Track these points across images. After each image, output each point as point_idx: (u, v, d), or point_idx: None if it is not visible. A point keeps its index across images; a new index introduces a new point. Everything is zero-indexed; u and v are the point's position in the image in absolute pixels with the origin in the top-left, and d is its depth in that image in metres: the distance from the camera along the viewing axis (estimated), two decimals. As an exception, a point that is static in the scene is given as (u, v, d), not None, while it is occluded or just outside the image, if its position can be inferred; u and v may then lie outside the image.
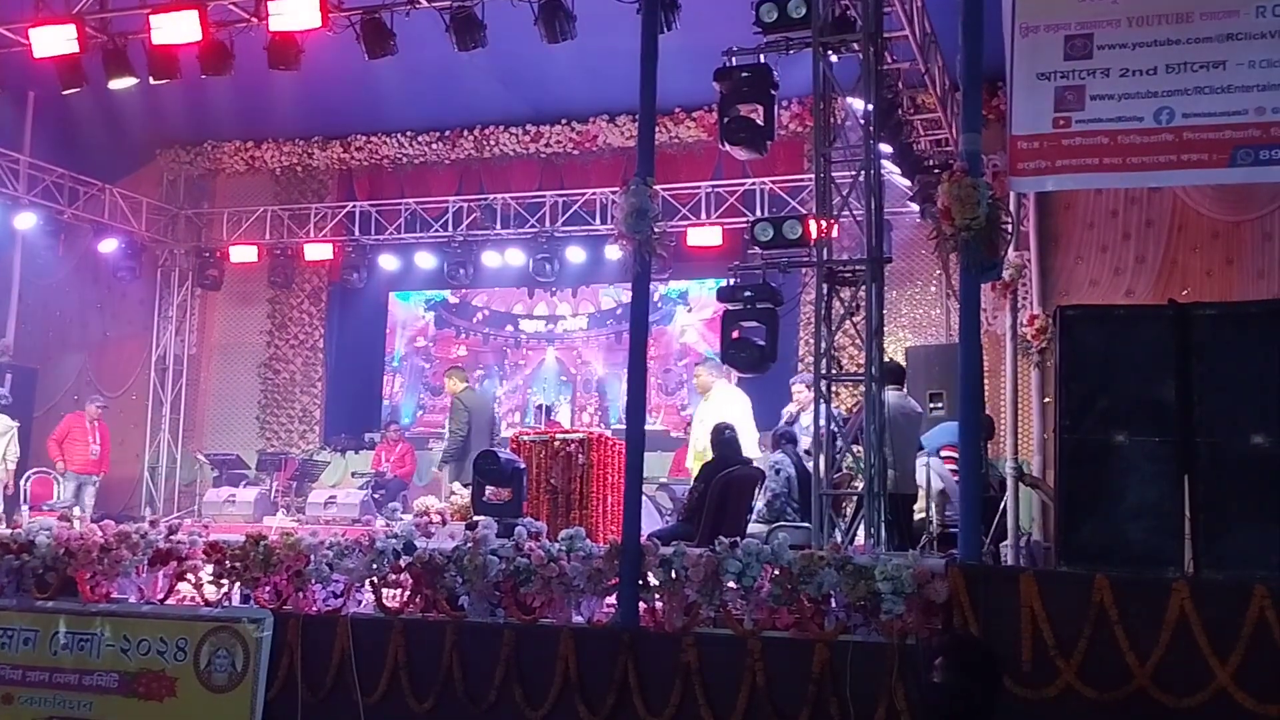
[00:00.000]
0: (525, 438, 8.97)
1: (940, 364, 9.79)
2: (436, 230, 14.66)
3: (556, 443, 8.69)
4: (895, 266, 11.27)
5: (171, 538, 6.74)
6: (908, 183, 10.44)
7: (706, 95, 7.90)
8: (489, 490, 7.66)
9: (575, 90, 13.43)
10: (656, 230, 6.09)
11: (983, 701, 3.80)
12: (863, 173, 7.20)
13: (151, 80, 10.17)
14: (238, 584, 6.44)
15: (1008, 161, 5.88)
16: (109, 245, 14.62)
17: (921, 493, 8.01)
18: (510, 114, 14.30)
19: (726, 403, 9.42)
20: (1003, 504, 7.33)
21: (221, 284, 15.53)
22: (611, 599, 5.84)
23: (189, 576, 6.60)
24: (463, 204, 14.63)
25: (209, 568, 6.54)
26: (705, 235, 13.30)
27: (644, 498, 7.60)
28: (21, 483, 12.44)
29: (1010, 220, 6.08)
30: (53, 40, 10.00)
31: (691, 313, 14.69)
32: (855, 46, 7.27)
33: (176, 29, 9.74)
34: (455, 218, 14.58)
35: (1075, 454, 5.37)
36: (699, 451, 9.34)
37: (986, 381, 9.33)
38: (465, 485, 9.87)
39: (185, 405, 15.84)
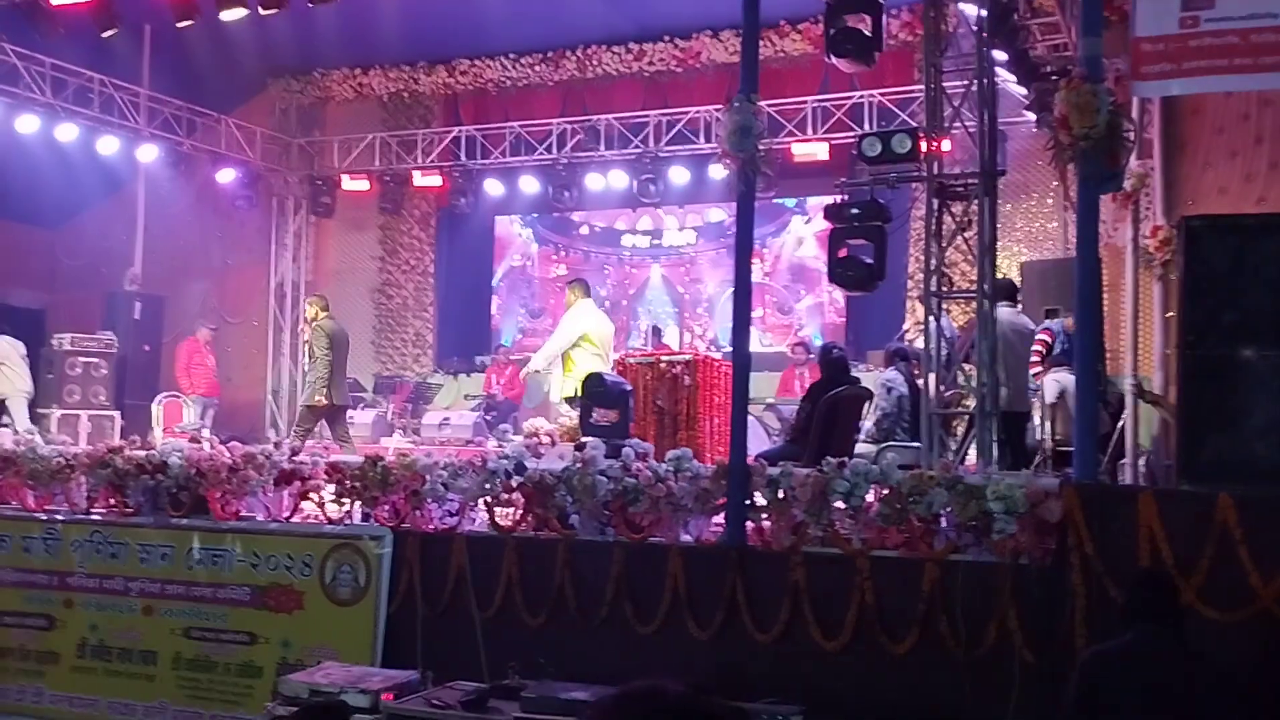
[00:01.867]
0: (631, 360, 9.02)
1: (1057, 279, 9.50)
2: (541, 153, 14.68)
3: (663, 364, 8.72)
4: (1010, 179, 10.91)
5: (294, 459, 7.00)
6: (1024, 91, 10.04)
7: (812, 6, 7.70)
8: (597, 412, 7.75)
9: (678, 6, 13.21)
10: (761, 148, 6.00)
11: None
12: (975, 82, 6.96)
13: (261, 10, 10.32)
14: (358, 503, 6.67)
15: (1130, 65, 5.60)
16: (226, 175, 15.01)
17: (1037, 410, 7.86)
18: (613, 32, 14.15)
19: (578, 315, 9.66)
20: (1122, 422, 7.15)
21: (334, 211, 15.84)
22: (719, 519, 5.88)
23: (312, 496, 6.85)
24: (566, 126, 14.59)
25: (330, 487, 6.78)
26: (811, 150, 13.04)
27: (751, 418, 7.61)
28: (152, 406, 13.02)
29: (1132, 128, 5.83)
30: (166, -27, 10.20)
31: (809, 224, 14.45)
32: (968, -51, 6.99)
33: (283, -43, 9.84)
34: (559, 140, 14.56)
35: (1199, 370, 5.19)
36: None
37: (1106, 296, 9.02)
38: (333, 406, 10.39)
39: (304, 330, 16.29)
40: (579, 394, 9.31)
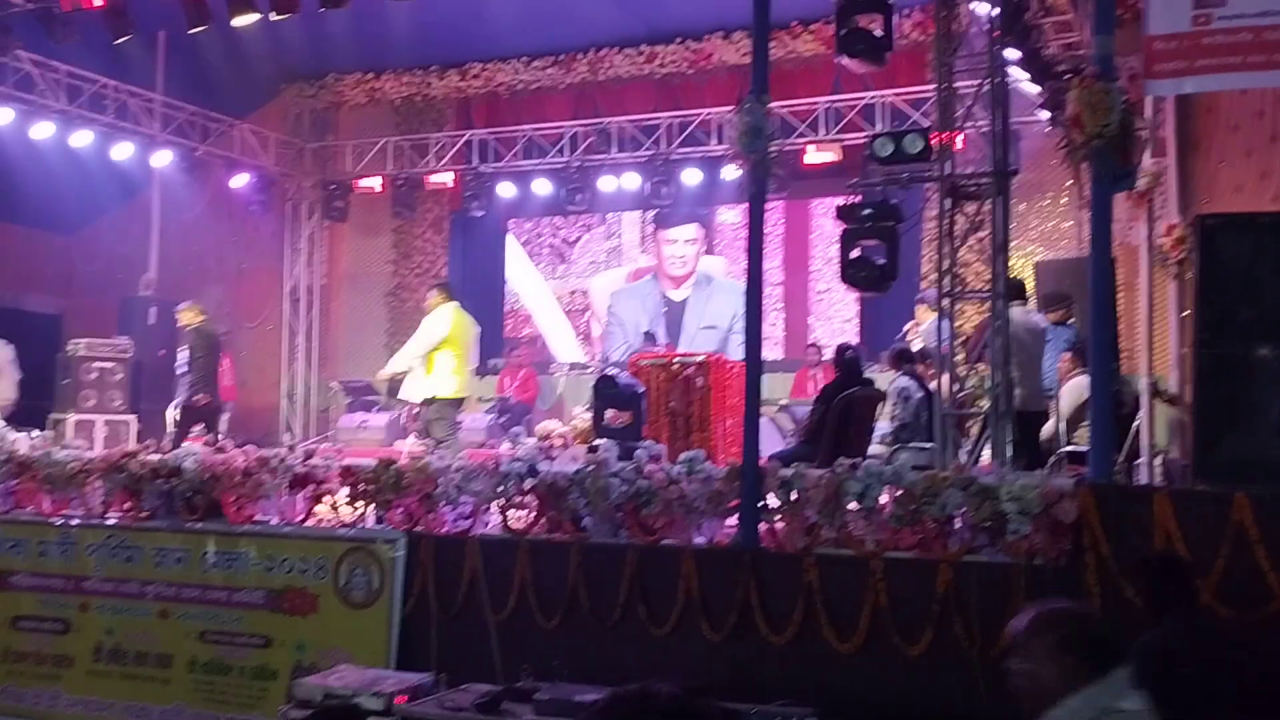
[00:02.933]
0: (644, 362, 9.02)
1: (1072, 278, 9.47)
2: (553, 156, 14.70)
3: (675, 366, 8.73)
4: (1023, 178, 10.87)
5: (308, 462, 7.02)
6: (1036, 90, 10.02)
7: (823, 7, 7.69)
8: (609, 414, 7.76)
9: (690, 8, 13.21)
10: (773, 149, 5.99)
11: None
12: (988, 81, 6.93)
13: (273, 15, 10.34)
14: (372, 506, 6.68)
15: (1143, 63, 5.58)
16: (240, 180, 15.06)
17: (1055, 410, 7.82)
18: (625, 35, 14.16)
19: (438, 319, 9.83)
20: (1137, 421, 7.11)
21: (348, 215, 15.88)
22: (732, 520, 5.87)
23: (326, 499, 6.87)
24: (578, 129, 14.60)
25: (344, 490, 6.80)
26: (823, 152, 13.03)
27: (764, 419, 7.60)
28: (167, 411, 13.05)
29: (1145, 126, 5.80)
30: (178, -22, 10.23)
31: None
32: (979, -52, 6.97)
33: (295, -38, 9.84)
34: (571, 143, 14.57)
35: (1214, 369, 5.17)
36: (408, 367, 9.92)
37: (1121, 295, 8.99)
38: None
39: (318, 334, 16.35)
40: (437, 397, 9.59)
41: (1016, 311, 7.32)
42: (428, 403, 9.71)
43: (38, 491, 7.51)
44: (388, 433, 12.97)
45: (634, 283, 15.57)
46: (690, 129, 13.92)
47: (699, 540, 5.87)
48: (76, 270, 16.11)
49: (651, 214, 15.22)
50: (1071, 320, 8.85)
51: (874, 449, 7.91)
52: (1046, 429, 7.82)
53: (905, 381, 8.01)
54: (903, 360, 8.19)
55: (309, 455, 7.13)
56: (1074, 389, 7.85)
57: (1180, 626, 4.08)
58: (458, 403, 9.98)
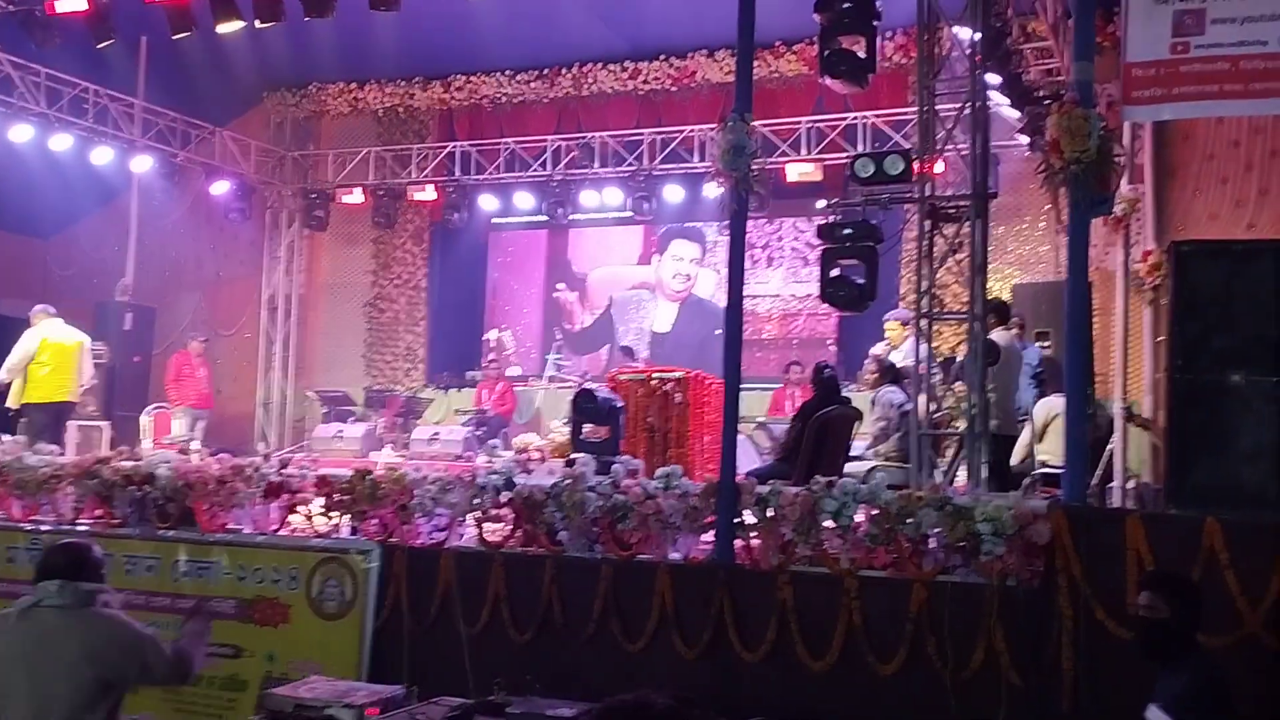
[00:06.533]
0: (623, 376, 9.03)
1: (1048, 302, 9.55)
2: (535, 169, 14.73)
3: (654, 381, 8.74)
4: (1003, 201, 10.95)
5: (283, 471, 6.97)
6: (1016, 114, 10.12)
7: (807, 28, 7.74)
8: (587, 428, 7.76)
9: (674, 25, 13.27)
10: (754, 167, 6.02)
11: (1181, 629, 4.02)
12: (968, 105, 6.99)
13: (257, 24, 10.33)
14: (346, 517, 6.65)
15: (1122, 90, 5.65)
16: (220, 187, 15.00)
17: (1026, 431, 7.87)
18: (609, 51, 14.23)
19: (28, 335, 10.33)
20: (1110, 445, 7.17)
21: (328, 225, 15.85)
22: (708, 536, 5.87)
23: (300, 509, 6.82)
24: (561, 143, 14.64)
25: (319, 501, 6.76)
26: (805, 171, 13.09)
27: (741, 436, 7.61)
28: (141, 418, 12.97)
29: (1122, 153, 5.87)
30: (163, -15, 10.21)
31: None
32: (962, -28, 7.04)
33: (281, -29, 9.85)
34: (554, 157, 14.60)
35: (1188, 394, 5.21)
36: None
37: (1097, 320, 9.07)
38: None
39: (295, 343, 16.29)
40: (27, 403, 10.05)
41: (1003, 335, 7.38)
42: (27, 407, 10.16)
43: (8, 496, 7.44)
44: (363, 443, 12.91)
45: (633, 291, 15.60)
46: (673, 145, 13.98)
47: (674, 556, 5.86)
48: (52, 274, 15.97)
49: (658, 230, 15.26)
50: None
51: (857, 456, 7.91)
52: (1016, 452, 7.87)
53: (894, 390, 8.00)
54: (889, 375, 8.20)
55: (284, 464, 7.09)
56: (1043, 408, 7.93)
57: (1204, 679, 3.92)
58: (50, 407, 10.37)
